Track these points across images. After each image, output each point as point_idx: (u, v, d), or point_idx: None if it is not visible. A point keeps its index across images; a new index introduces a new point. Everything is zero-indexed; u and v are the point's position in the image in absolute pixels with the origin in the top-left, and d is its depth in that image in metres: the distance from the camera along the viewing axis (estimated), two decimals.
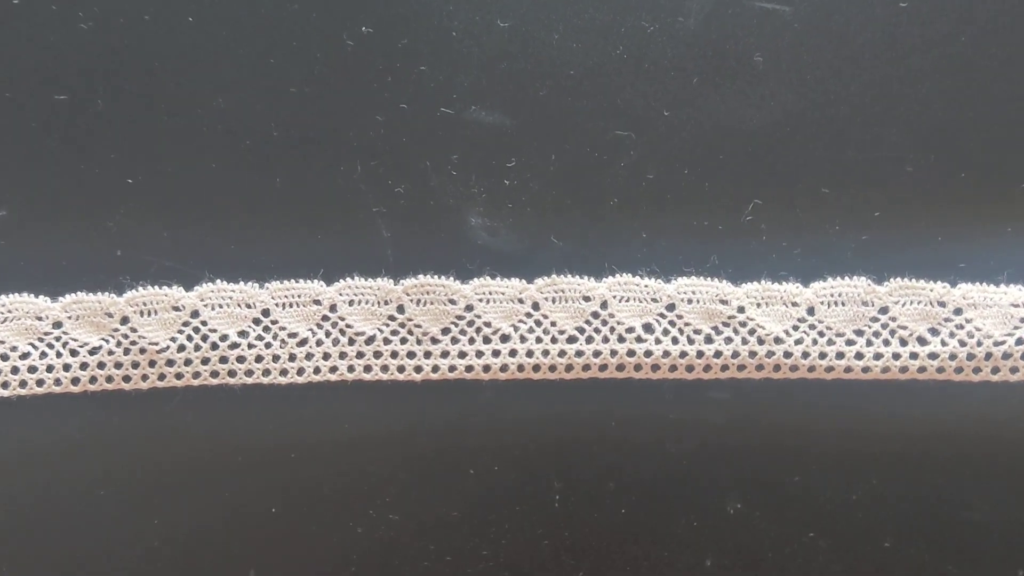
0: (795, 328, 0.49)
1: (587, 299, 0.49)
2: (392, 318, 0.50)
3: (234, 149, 0.49)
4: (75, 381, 0.49)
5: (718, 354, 0.49)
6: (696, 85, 0.49)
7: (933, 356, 0.49)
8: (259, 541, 0.52)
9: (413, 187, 0.49)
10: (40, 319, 0.49)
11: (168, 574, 0.51)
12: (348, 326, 0.50)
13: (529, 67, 0.49)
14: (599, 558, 0.52)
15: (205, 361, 0.49)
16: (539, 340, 0.50)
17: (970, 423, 0.51)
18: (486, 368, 0.50)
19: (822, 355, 0.49)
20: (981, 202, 0.49)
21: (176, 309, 0.49)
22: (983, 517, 0.51)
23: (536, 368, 0.50)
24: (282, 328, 0.49)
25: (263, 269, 0.49)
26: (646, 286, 0.49)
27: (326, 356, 0.50)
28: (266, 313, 0.49)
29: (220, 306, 0.49)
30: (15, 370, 0.49)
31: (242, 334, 0.49)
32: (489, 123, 0.49)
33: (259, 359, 0.49)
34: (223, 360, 0.49)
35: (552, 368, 0.50)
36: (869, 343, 0.49)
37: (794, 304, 0.49)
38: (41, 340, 0.49)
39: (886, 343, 0.49)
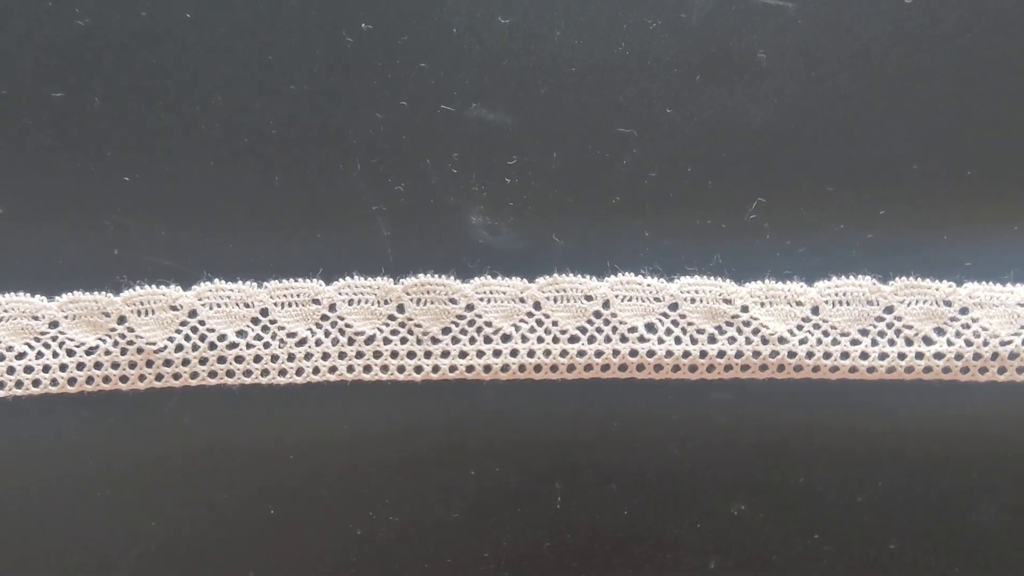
0: (799, 328, 0.49)
1: (589, 298, 0.49)
2: (392, 318, 0.49)
3: (232, 147, 0.49)
4: (72, 381, 0.49)
5: (721, 354, 0.49)
6: (699, 82, 0.49)
7: (939, 356, 0.49)
8: (258, 543, 0.52)
9: (413, 185, 0.49)
10: (36, 318, 0.49)
11: None
12: (348, 326, 0.49)
13: (530, 64, 0.49)
14: (601, 560, 0.52)
15: (203, 361, 0.49)
16: (540, 340, 0.49)
17: (976, 424, 0.51)
18: (487, 368, 0.50)
19: (826, 355, 0.49)
20: (987, 200, 0.49)
21: (174, 308, 0.49)
22: (989, 519, 0.51)
23: (537, 368, 0.50)
24: (281, 328, 0.49)
25: (262, 268, 0.49)
26: (649, 285, 0.49)
27: (325, 356, 0.50)
28: (265, 312, 0.49)
29: (218, 305, 0.49)
30: (11, 370, 0.49)
31: (240, 334, 0.49)
32: (490, 121, 0.49)
33: (258, 359, 0.49)
34: (221, 360, 0.49)
35: (554, 368, 0.50)
36: (874, 343, 0.49)
37: (798, 303, 0.49)
38: (37, 340, 0.49)
39: (891, 343, 0.49)
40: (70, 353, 0.49)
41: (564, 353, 0.49)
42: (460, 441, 0.51)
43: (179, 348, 0.49)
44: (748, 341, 0.49)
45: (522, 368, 0.50)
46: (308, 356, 0.49)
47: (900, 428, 0.51)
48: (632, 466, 0.51)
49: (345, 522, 0.52)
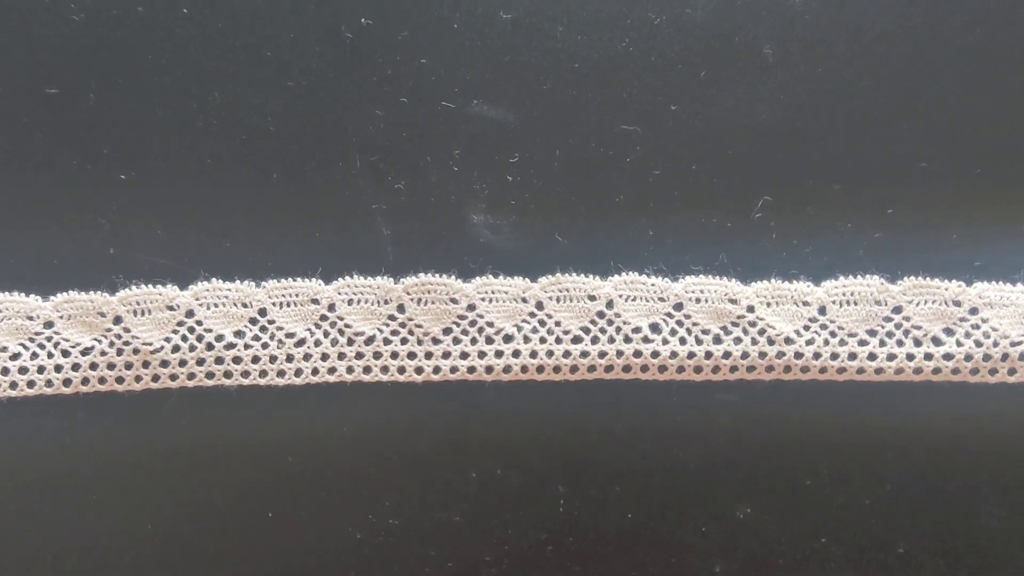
0: (806, 328, 0.49)
1: (592, 298, 0.49)
2: (392, 318, 0.49)
3: (230, 144, 0.48)
4: (67, 382, 0.49)
5: (727, 355, 0.49)
6: (704, 79, 0.49)
7: (948, 357, 0.49)
8: (256, 546, 0.51)
9: (413, 183, 0.49)
10: (31, 318, 0.49)
11: None
12: (347, 326, 0.49)
13: (533, 60, 0.48)
14: (605, 564, 0.52)
15: (200, 362, 0.49)
16: (543, 340, 0.49)
17: (986, 426, 0.50)
18: (488, 369, 0.49)
19: (834, 356, 0.49)
20: (997, 199, 0.49)
21: (170, 308, 0.49)
22: (999, 522, 0.51)
23: (540, 369, 0.49)
24: (279, 328, 0.49)
25: (260, 267, 0.49)
26: (653, 285, 0.49)
27: (324, 357, 0.49)
28: (263, 312, 0.49)
29: (216, 305, 0.49)
30: (5, 371, 0.49)
31: (238, 334, 0.49)
32: (491, 118, 0.49)
33: (256, 360, 0.49)
34: (219, 361, 0.49)
35: (556, 369, 0.49)
36: (882, 343, 0.49)
37: (805, 303, 0.49)
38: (32, 340, 0.49)
39: (900, 343, 0.49)
40: (65, 354, 0.49)
41: (567, 354, 0.49)
42: (462, 443, 0.51)
43: (176, 349, 0.49)
44: (754, 342, 0.49)
45: (524, 369, 0.49)
46: (307, 357, 0.49)
47: (908, 430, 0.51)
48: (636, 468, 0.51)
49: (344, 525, 0.51)
